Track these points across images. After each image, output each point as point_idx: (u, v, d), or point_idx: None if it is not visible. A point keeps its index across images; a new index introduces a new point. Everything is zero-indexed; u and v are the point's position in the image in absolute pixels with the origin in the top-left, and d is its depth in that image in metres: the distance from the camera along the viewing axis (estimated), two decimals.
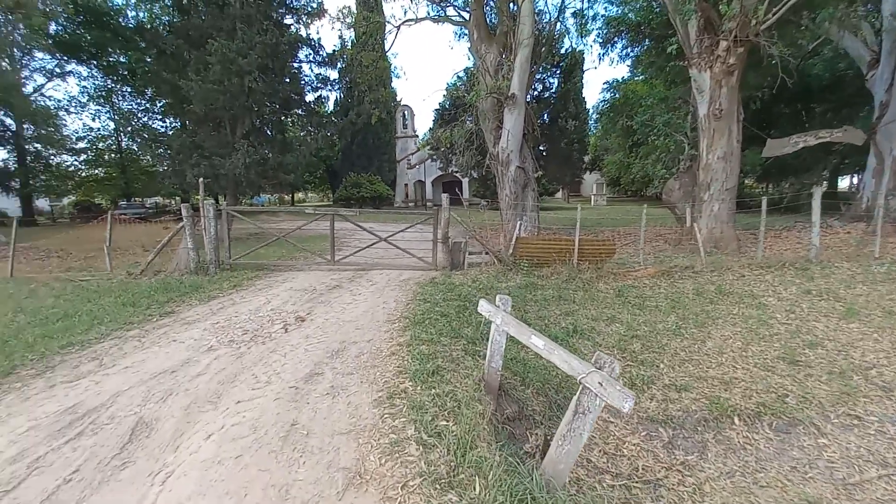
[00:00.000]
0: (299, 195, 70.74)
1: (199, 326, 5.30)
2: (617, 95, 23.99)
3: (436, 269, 8.42)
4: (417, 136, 42.91)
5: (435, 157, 15.98)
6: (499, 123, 9.71)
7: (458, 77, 12.74)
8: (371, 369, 3.98)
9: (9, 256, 10.44)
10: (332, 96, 16.04)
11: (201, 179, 8.24)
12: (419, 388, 3.52)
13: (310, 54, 15.12)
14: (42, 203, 43.21)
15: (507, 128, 9.48)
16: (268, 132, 15.86)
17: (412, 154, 39.98)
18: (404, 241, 8.93)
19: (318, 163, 49.68)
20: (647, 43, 14.10)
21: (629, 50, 14.78)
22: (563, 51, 16.74)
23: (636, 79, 23.16)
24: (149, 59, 17.80)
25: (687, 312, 6.38)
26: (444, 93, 13.35)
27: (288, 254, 10.42)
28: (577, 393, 2.52)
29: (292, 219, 20.18)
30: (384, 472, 2.54)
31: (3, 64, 25.97)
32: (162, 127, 19.63)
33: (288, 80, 14.86)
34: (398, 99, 41.19)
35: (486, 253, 8.40)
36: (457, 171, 14.61)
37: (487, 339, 4.95)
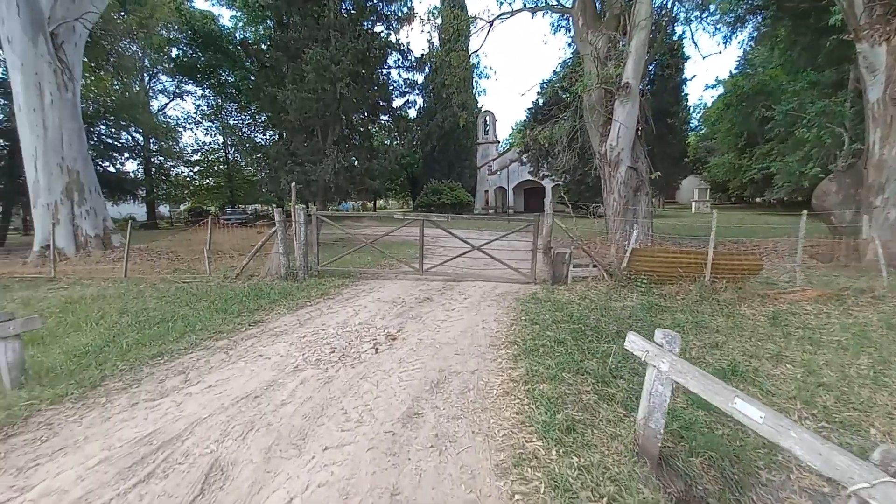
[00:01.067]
0: (380, 202, 73.37)
1: (286, 340, 4.88)
2: (733, 85, 21.22)
3: (534, 282, 7.46)
4: (499, 142, 42.13)
5: (525, 160, 14.99)
6: (607, 118, 8.54)
7: (555, 73, 11.75)
8: (482, 413, 3.16)
9: (125, 258, 11.32)
10: (417, 103, 15.73)
11: (293, 184, 8.10)
12: (554, 451, 2.62)
13: (398, 59, 15.03)
14: (163, 209, 49.19)
15: (619, 122, 8.28)
16: (356, 140, 15.98)
17: (493, 160, 39.24)
18: (495, 251, 8.11)
19: (400, 170, 51.09)
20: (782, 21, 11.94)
21: (761, 29, 12.62)
22: (675, 37, 14.98)
23: (761, 65, 20.26)
24: (251, 77, 18.97)
25: (884, 353, 4.77)
26: (539, 90, 12.43)
27: (374, 261, 10.09)
28: None
29: (377, 224, 20.31)
30: None
31: (135, 86, 29.72)
32: (262, 140, 20.86)
33: (377, 86, 14.87)
34: (479, 106, 40.81)
35: (594, 266, 7.27)
36: (548, 175, 13.52)
37: (618, 377, 3.95)
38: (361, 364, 4.13)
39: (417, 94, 15.05)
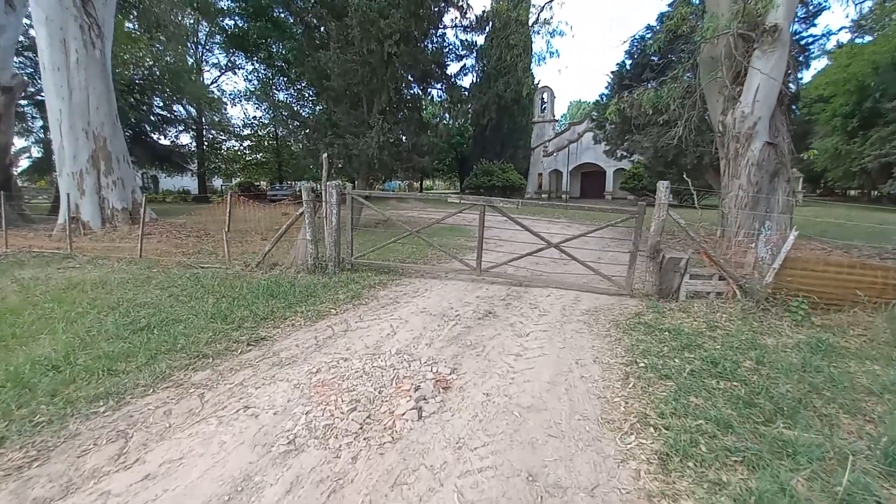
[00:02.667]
0: (427, 182, 71.96)
1: (291, 376, 3.36)
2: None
3: (630, 294, 5.56)
4: (556, 121, 39.16)
5: (601, 136, 12.72)
6: (736, 76, 6.33)
7: (649, 28, 9.44)
8: None
9: (153, 234, 10.37)
10: (475, 69, 13.71)
11: (325, 156, 6.56)
12: None
13: (455, 18, 13.10)
14: (217, 183, 50.28)
15: (757, 82, 6.06)
16: (404, 111, 14.30)
17: (550, 140, 36.48)
18: (571, 248, 6.26)
19: (449, 149, 49.11)
20: None
21: None
22: None
23: None
24: (297, 41, 17.64)
25: None
26: (629, 49, 10.11)
27: (419, 253, 8.45)
28: None
29: (423, 206, 18.70)
30: None
31: (189, 59, 29.52)
32: (308, 113, 19.56)
33: (430, 49, 13.05)
34: (536, 81, 37.94)
35: (720, 278, 5.25)
36: (626, 155, 11.25)
37: None
38: (395, 445, 2.52)
39: (475, 59, 13.03)
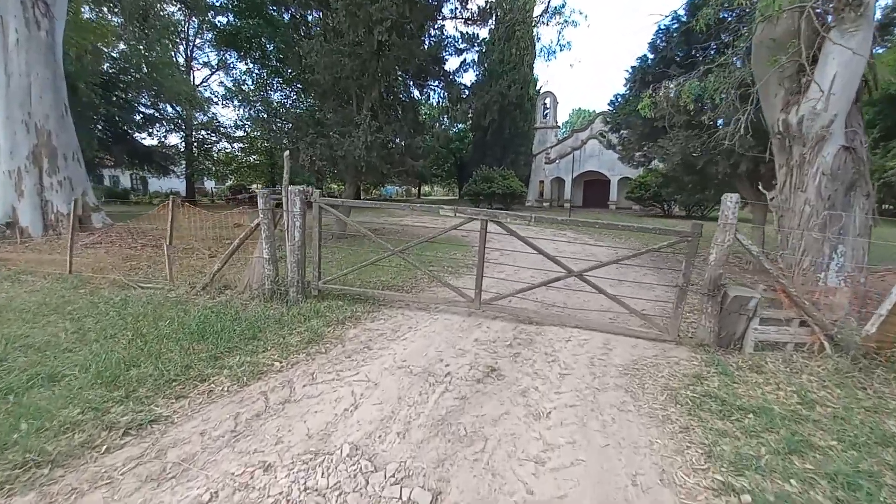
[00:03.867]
0: (425, 188, 70.75)
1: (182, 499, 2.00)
2: None
3: (676, 341, 4.22)
4: (559, 128, 38.02)
5: (615, 140, 11.39)
6: (802, 65, 5.06)
7: (676, 15, 8.17)
8: None
9: (101, 243, 8.99)
10: (475, 64, 12.39)
11: (286, 154, 5.24)
12: None
13: (455, 9, 11.85)
14: (210, 185, 48.89)
15: (833, 70, 4.79)
16: (397, 110, 13.03)
17: (552, 147, 35.29)
18: (593, 276, 4.96)
19: (448, 154, 47.89)
20: None
21: None
22: None
23: None
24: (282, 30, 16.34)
25: None
26: (654, 37, 8.82)
27: (405, 275, 7.04)
28: None
29: (420, 215, 17.38)
30: None
31: (179, 57, 28.27)
32: (296, 110, 18.13)
33: (426, 41, 11.81)
34: (539, 87, 36.77)
35: (802, 323, 3.92)
36: (643, 162, 9.94)
37: None
38: None
39: (476, 52, 11.77)
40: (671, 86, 6.18)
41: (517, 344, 4.25)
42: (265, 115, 14.68)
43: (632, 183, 26.53)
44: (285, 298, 5.32)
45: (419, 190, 63.00)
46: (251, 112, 22.32)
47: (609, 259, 4.89)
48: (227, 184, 45.60)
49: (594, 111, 77.29)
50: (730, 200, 3.84)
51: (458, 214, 4.71)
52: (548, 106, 36.78)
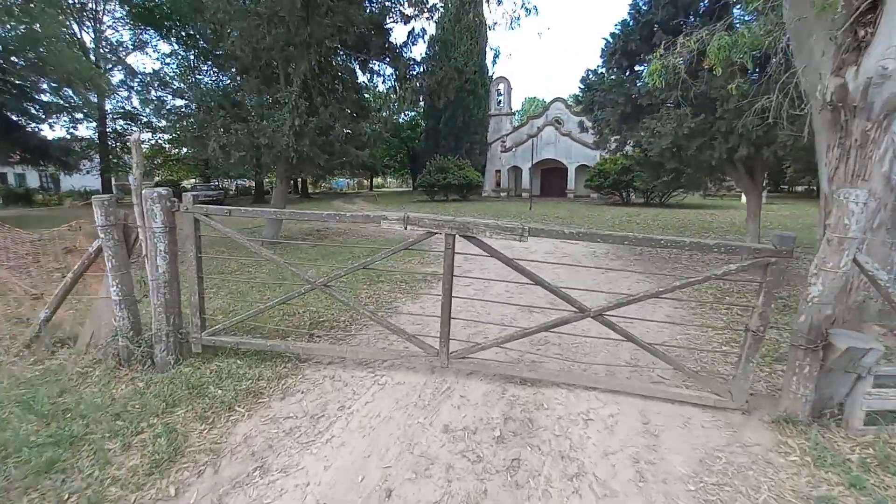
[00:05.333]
0: (378, 180, 68.05)
1: None
2: None
3: (742, 409, 2.80)
4: (513, 114, 36.92)
5: (588, 124, 9.99)
6: (860, 15, 3.81)
7: None
8: None
9: None
10: (422, 44, 10.56)
11: (134, 138, 3.35)
12: None
13: None
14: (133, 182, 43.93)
15: None
16: (337, 90, 11.06)
17: (507, 134, 34.12)
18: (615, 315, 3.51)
19: (400, 144, 45.70)
20: None
21: None
22: None
23: None
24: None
25: None
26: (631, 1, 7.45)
27: (338, 307, 5.13)
28: None
29: (354, 224, 15.56)
30: None
31: (86, 35, 24.29)
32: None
33: (369, 5, 9.90)
34: (490, 73, 35.33)
35: None
36: (624, 145, 8.63)
37: None
38: None
39: (427, 19, 10.00)
40: (692, 42, 4.76)
41: (511, 434, 2.67)
42: (159, 97, 12.14)
43: (591, 171, 25.81)
44: (150, 361, 3.46)
45: (371, 182, 60.38)
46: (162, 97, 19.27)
47: (643, 294, 3.39)
48: (154, 180, 41.10)
49: (544, 101, 77.35)
50: (854, 199, 2.42)
51: (410, 226, 3.04)
52: (501, 92, 35.53)
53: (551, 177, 32.85)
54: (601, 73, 9.07)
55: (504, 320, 4.85)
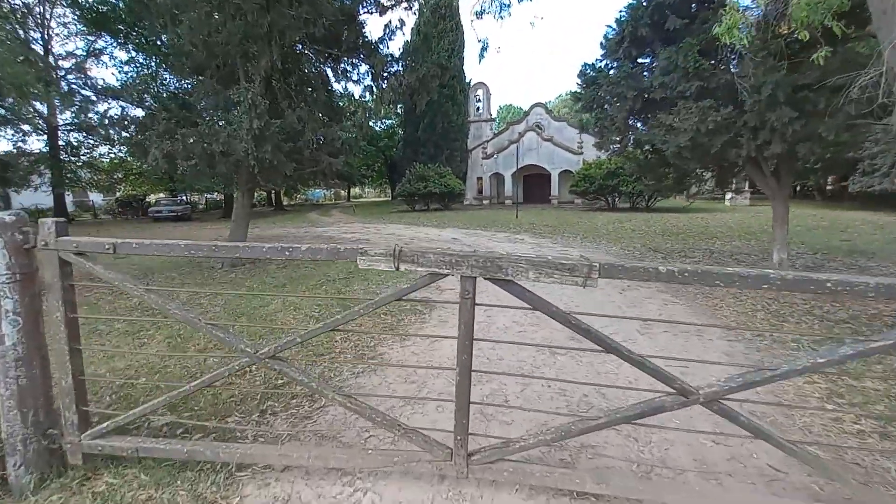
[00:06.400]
0: (355, 189, 66.50)
1: None
2: None
3: None
4: (494, 120, 36.25)
5: (590, 122, 8.99)
6: None
7: None
8: None
9: None
10: (404, 26, 9.43)
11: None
12: None
13: None
14: (96, 198, 41.32)
15: None
16: (304, 90, 9.87)
17: (488, 141, 33.34)
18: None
19: (376, 153, 44.45)
20: None
21: None
22: None
23: None
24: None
25: None
26: None
27: (294, 393, 3.63)
28: None
29: (314, 265, 14.50)
30: None
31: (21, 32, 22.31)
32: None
33: None
34: (468, 80, 34.55)
35: None
36: (624, 146, 7.69)
37: None
38: None
39: (405, 9, 8.89)
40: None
41: None
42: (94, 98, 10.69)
43: (575, 176, 25.14)
44: (3, 485, 2.19)
45: (348, 192, 58.87)
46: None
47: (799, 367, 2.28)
48: (115, 195, 38.70)
49: (520, 108, 77.23)
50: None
51: (404, 265, 1.90)
52: (480, 98, 34.85)
53: (534, 183, 32.15)
54: (600, 66, 8.15)
55: (523, 367, 3.75)
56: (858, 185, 20.66)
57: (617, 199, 24.80)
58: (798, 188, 35.39)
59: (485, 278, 1.90)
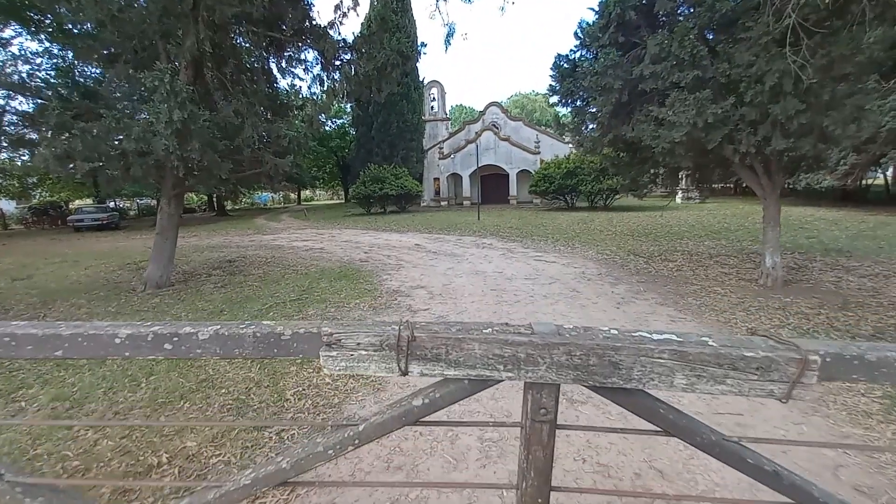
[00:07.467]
0: (306, 192, 63.58)
1: None
2: None
3: None
4: (449, 120, 35.48)
5: (567, 117, 8.31)
6: None
7: None
8: None
9: None
10: (359, 7, 8.21)
11: None
12: None
13: None
14: (7, 205, 36.51)
15: None
16: (243, 79, 8.53)
17: (444, 140, 32.52)
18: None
19: (328, 154, 42.44)
20: None
21: None
22: None
23: None
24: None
25: None
26: None
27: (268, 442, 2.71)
28: None
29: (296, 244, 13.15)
30: None
31: None
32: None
33: None
34: (422, 79, 33.58)
35: None
36: (603, 144, 7.11)
37: None
38: None
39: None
40: None
41: None
42: None
43: (535, 176, 24.81)
44: None
45: (299, 196, 56.12)
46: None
47: None
48: (31, 202, 34.31)
49: (472, 108, 77.06)
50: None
51: (413, 368, 0.93)
52: (435, 96, 34.00)
53: (492, 183, 31.67)
54: (574, 57, 7.45)
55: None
56: (804, 181, 21.73)
57: (576, 199, 24.74)
58: (735, 185, 36.92)
59: (583, 385, 0.95)
